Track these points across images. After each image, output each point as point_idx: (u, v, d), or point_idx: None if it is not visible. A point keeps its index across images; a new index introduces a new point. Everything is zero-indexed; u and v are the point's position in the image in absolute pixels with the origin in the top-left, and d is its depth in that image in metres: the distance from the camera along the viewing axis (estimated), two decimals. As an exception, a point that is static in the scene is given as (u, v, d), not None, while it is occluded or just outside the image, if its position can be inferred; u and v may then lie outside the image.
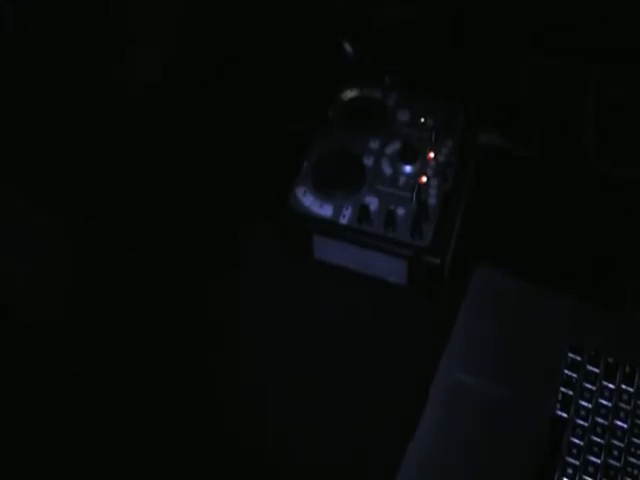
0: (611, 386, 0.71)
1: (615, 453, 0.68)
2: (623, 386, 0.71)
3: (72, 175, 0.82)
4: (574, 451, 0.68)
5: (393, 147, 0.81)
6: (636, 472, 0.67)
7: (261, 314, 0.77)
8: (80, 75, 0.83)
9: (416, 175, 0.79)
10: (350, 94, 0.84)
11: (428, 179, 0.78)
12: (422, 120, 0.82)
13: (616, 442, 0.68)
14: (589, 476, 0.67)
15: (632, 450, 0.68)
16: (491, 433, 0.69)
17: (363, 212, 0.76)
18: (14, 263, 0.78)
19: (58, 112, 0.83)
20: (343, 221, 0.77)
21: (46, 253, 0.79)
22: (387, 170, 0.79)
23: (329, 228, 0.77)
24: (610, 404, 0.70)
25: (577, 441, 0.69)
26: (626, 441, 0.68)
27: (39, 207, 0.81)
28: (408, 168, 0.79)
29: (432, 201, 0.77)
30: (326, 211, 0.77)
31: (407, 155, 0.79)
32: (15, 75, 0.81)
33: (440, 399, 0.71)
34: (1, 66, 0.80)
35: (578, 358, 0.72)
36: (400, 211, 0.77)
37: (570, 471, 0.67)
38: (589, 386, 0.71)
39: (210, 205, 0.82)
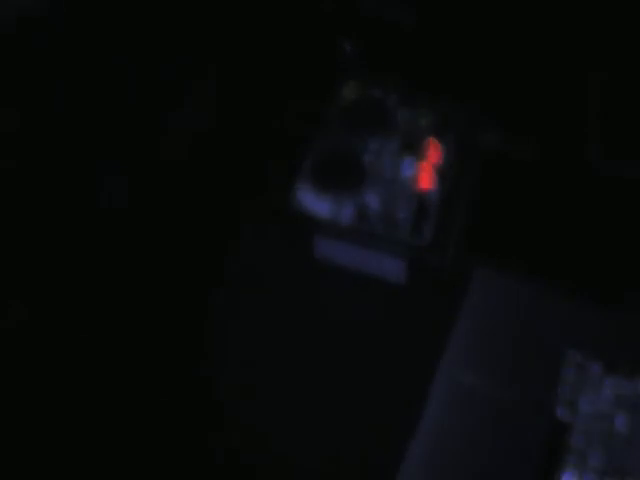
0: (611, 386, 0.71)
1: (615, 454, 0.68)
2: (623, 386, 0.71)
3: (71, 175, 0.82)
4: (574, 452, 0.68)
5: (393, 147, 0.81)
6: (637, 474, 0.67)
7: (261, 314, 0.77)
8: (80, 74, 0.83)
9: (416, 175, 0.79)
10: (350, 94, 0.84)
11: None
12: (422, 120, 0.82)
13: (616, 443, 0.68)
14: (589, 477, 0.67)
15: (633, 451, 0.68)
16: (491, 433, 0.69)
17: (363, 212, 0.76)
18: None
19: (57, 111, 0.83)
20: (343, 221, 0.77)
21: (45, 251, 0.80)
22: (387, 170, 0.79)
23: (329, 228, 0.77)
24: (610, 405, 0.70)
25: (577, 442, 0.69)
26: (626, 442, 0.69)
27: (37, 207, 0.81)
28: (408, 168, 0.79)
29: (432, 201, 0.77)
30: (326, 211, 0.77)
31: (407, 155, 0.79)
32: (15, 75, 0.81)
33: (440, 399, 0.71)
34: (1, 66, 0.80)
35: (578, 358, 0.72)
36: (400, 211, 0.77)
37: (570, 472, 0.67)
38: (589, 386, 0.71)
39: (210, 205, 0.82)
